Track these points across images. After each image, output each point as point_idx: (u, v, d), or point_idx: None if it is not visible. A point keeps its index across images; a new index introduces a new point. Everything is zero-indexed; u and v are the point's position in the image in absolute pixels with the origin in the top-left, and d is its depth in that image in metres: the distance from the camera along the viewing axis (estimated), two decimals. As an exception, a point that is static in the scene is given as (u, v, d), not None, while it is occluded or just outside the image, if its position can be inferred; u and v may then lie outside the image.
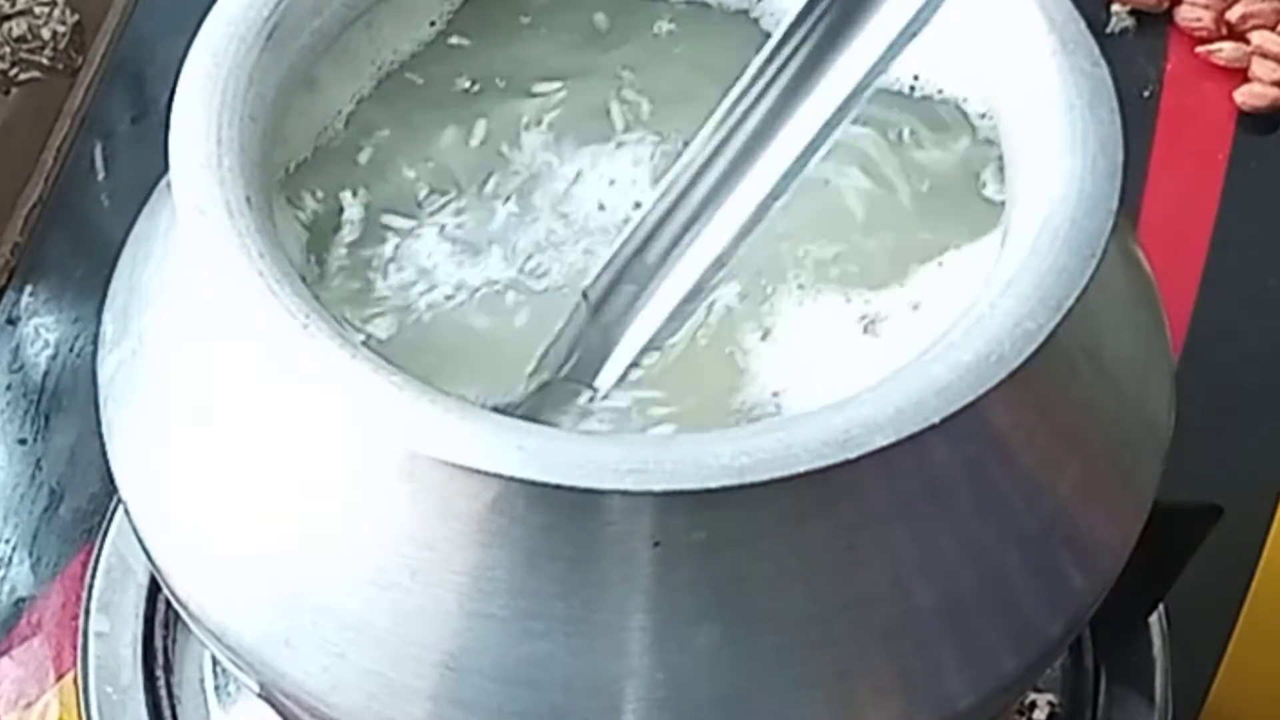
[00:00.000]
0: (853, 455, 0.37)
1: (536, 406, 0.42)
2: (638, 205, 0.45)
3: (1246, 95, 0.76)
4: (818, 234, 0.44)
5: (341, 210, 0.45)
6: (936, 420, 0.37)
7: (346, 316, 0.43)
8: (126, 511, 0.44)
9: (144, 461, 0.44)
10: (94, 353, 0.45)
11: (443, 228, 0.45)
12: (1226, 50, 0.77)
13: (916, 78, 0.46)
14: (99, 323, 0.46)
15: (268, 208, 0.41)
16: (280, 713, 0.44)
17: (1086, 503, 0.43)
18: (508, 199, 0.45)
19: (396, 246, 0.44)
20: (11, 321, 0.69)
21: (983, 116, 0.45)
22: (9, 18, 0.69)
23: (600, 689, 0.39)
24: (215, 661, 0.57)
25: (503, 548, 0.39)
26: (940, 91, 0.46)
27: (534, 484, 0.37)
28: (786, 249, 0.44)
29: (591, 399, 0.42)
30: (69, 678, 0.60)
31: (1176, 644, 0.59)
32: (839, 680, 0.40)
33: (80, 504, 0.64)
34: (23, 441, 0.66)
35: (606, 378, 0.42)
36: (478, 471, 0.37)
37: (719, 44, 0.47)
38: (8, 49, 0.69)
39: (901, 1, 0.41)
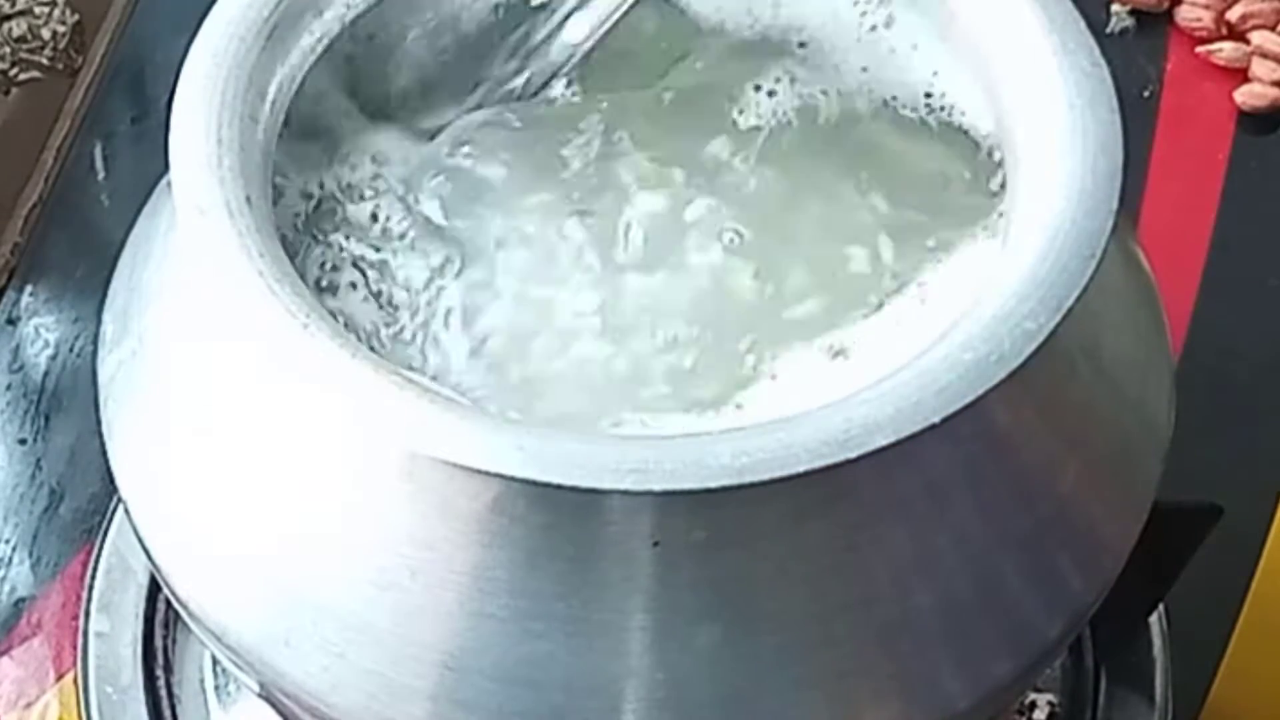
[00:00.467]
0: (853, 455, 0.37)
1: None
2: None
3: (1246, 95, 0.76)
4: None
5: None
6: (936, 420, 0.37)
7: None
8: (126, 511, 0.44)
9: (144, 461, 0.44)
10: (94, 353, 0.45)
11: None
12: (1226, 50, 0.77)
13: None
14: (99, 323, 0.46)
15: (268, 207, 0.41)
16: (280, 713, 0.44)
17: (1086, 502, 0.43)
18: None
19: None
20: (11, 321, 0.69)
21: (983, 117, 0.45)
22: (9, 18, 0.69)
23: (600, 689, 0.39)
24: (215, 661, 0.57)
25: (503, 548, 0.39)
26: (943, 94, 0.46)
27: (534, 484, 0.37)
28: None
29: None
30: (69, 678, 0.60)
31: (1176, 644, 0.59)
32: (839, 680, 0.40)
33: (80, 504, 0.64)
34: (23, 441, 0.66)
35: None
36: (478, 471, 0.37)
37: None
38: (8, 49, 0.69)
39: None
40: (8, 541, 0.64)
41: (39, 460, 0.66)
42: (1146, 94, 0.76)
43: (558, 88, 0.47)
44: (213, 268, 0.39)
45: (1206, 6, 0.78)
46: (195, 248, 0.40)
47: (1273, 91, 0.76)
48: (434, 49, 0.47)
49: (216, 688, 0.58)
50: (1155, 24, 0.79)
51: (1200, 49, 0.78)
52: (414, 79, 0.47)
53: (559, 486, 0.37)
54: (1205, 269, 0.71)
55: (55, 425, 0.66)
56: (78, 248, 0.71)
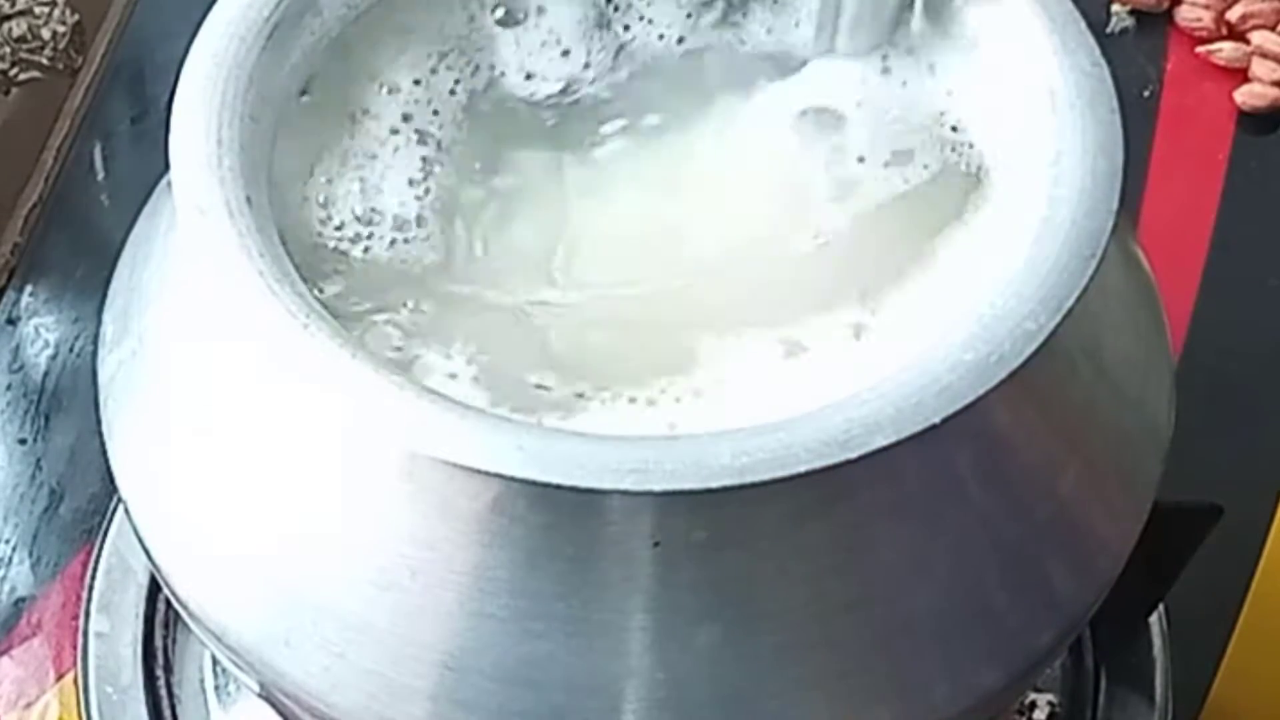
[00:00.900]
0: (853, 455, 0.37)
1: None
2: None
3: (1246, 95, 0.76)
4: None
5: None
6: (936, 420, 0.37)
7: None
8: (126, 511, 0.44)
9: (144, 461, 0.44)
10: (94, 353, 0.45)
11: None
12: (1226, 50, 0.77)
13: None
14: (99, 323, 0.46)
15: (268, 207, 0.41)
16: (280, 713, 0.44)
17: (1086, 502, 0.43)
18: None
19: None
20: (11, 321, 0.69)
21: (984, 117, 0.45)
22: (9, 18, 0.69)
23: (600, 689, 0.39)
24: (215, 661, 0.57)
25: (503, 548, 0.39)
26: (948, 94, 0.46)
27: (534, 484, 0.37)
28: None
29: None
30: (69, 678, 0.60)
31: (1176, 644, 0.59)
32: (839, 680, 0.40)
33: (80, 504, 0.64)
34: (23, 441, 0.66)
35: None
36: (478, 471, 0.37)
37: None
38: (8, 49, 0.69)
39: None
40: (8, 541, 0.64)
41: (39, 460, 0.66)
42: (1146, 94, 0.76)
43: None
44: (213, 268, 0.39)
45: (1206, 6, 0.78)
46: (195, 248, 0.40)
47: (1273, 91, 0.76)
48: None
49: (216, 688, 0.58)
50: (1155, 24, 0.79)
51: (1200, 49, 0.78)
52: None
53: (559, 486, 0.37)
54: (1205, 269, 0.71)
55: (55, 425, 0.66)
56: (78, 248, 0.71)
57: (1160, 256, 0.47)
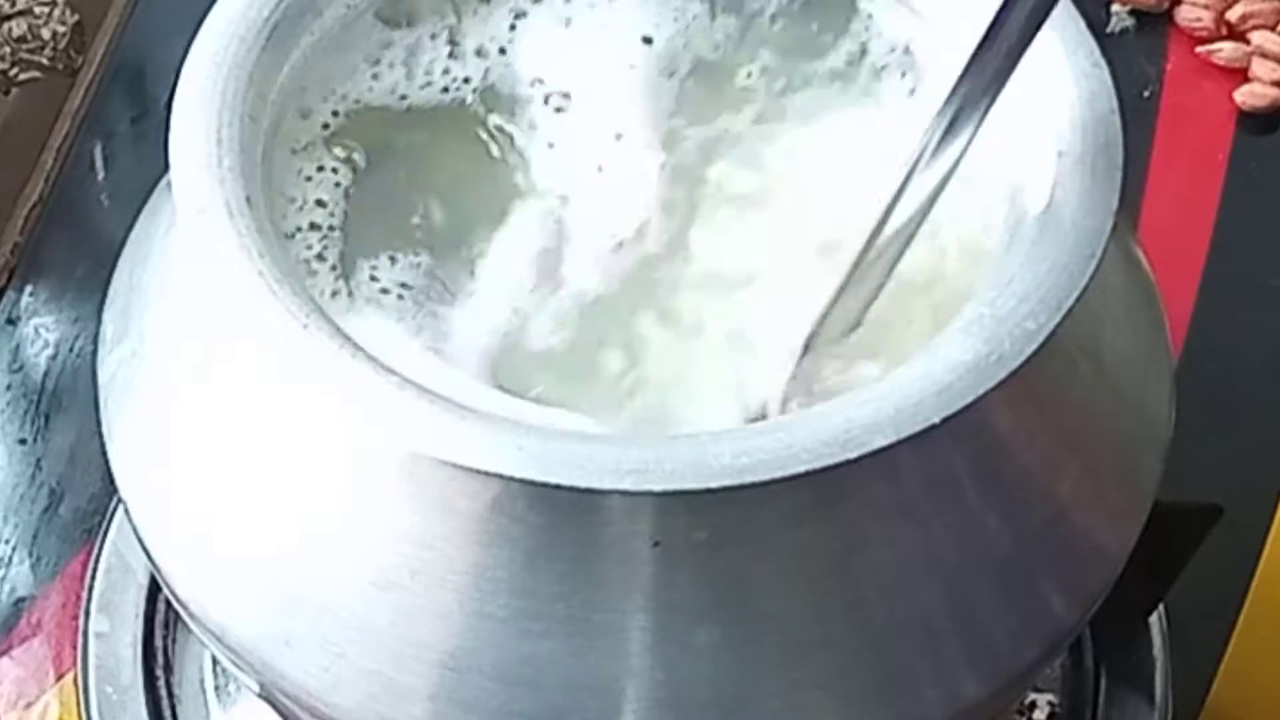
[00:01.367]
0: (853, 455, 0.37)
1: None
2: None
3: (1246, 95, 0.76)
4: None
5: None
6: (936, 420, 0.37)
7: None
8: (126, 511, 0.44)
9: (144, 461, 0.44)
10: (94, 353, 0.45)
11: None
12: (1226, 50, 0.77)
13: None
14: (99, 323, 0.46)
15: (268, 207, 0.41)
16: (280, 713, 0.44)
17: (1086, 503, 0.43)
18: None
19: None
20: (11, 321, 0.69)
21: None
22: (9, 18, 0.69)
23: (600, 689, 0.39)
24: (215, 661, 0.57)
25: (503, 548, 0.39)
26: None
27: (534, 484, 0.37)
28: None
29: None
30: (69, 678, 0.60)
31: (1176, 644, 0.59)
32: (839, 680, 0.40)
33: (80, 504, 0.64)
34: (23, 441, 0.66)
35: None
36: (478, 471, 0.37)
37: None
38: (8, 49, 0.69)
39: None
40: (8, 541, 0.64)
41: (39, 460, 0.66)
42: (1146, 94, 0.76)
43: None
44: (213, 268, 0.39)
45: (1206, 6, 0.78)
46: (195, 248, 0.40)
47: (1273, 91, 0.76)
48: None
49: (216, 688, 0.58)
50: (1155, 24, 0.79)
51: (1200, 49, 0.78)
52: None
53: (559, 486, 0.37)
54: (1205, 269, 0.71)
55: (55, 425, 0.66)
56: (78, 248, 0.71)
57: (1160, 256, 0.47)
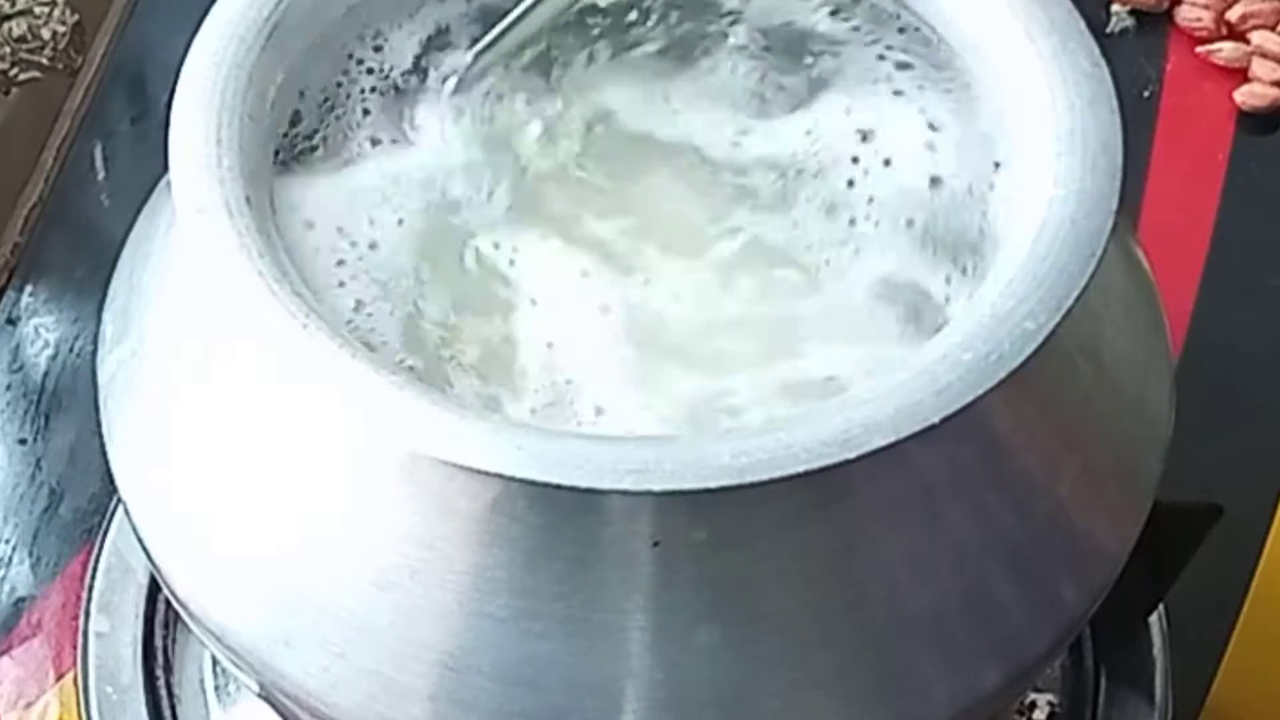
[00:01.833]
0: (852, 455, 0.37)
1: None
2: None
3: (1246, 95, 0.76)
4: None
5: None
6: (936, 420, 0.37)
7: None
8: (126, 511, 0.44)
9: (144, 461, 0.44)
10: (94, 353, 0.45)
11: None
12: (1226, 50, 0.77)
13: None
14: (99, 323, 0.46)
15: (268, 207, 0.41)
16: (280, 713, 0.44)
17: (1086, 502, 0.43)
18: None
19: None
20: (11, 321, 0.69)
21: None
22: (9, 18, 0.69)
23: (600, 689, 0.39)
24: (215, 661, 0.57)
25: (503, 548, 0.39)
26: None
27: (534, 484, 0.37)
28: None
29: None
30: (69, 678, 0.60)
31: (1176, 644, 0.59)
32: (839, 680, 0.40)
33: (80, 504, 0.64)
34: (23, 441, 0.66)
35: None
36: (478, 471, 0.37)
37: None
38: (8, 49, 0.69)
39: None
40: (8, 541, 0.64)
41: (39, 460, 0.66)
42: (1146, 94, 0.76)
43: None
44: (212, 268, 0.39)
45: (1206, 6, 0.78)
46: (195, 248, 0.40)
47: (1273, 91, 0.76)
48: None
49: (216, 688, 0.58)
50: (1155, 24, 0.79)
51: (1200, 49, 0.78)
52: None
53: (559, 486, 0.37)
54: (1205, 269, 0.71)
55: (55, 425, 0.66)
56: (78, 248, 0.71)
57: (1160, 256, 0.47)
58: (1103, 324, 0.43)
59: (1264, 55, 0.77)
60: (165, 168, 0.41)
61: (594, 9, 0.47)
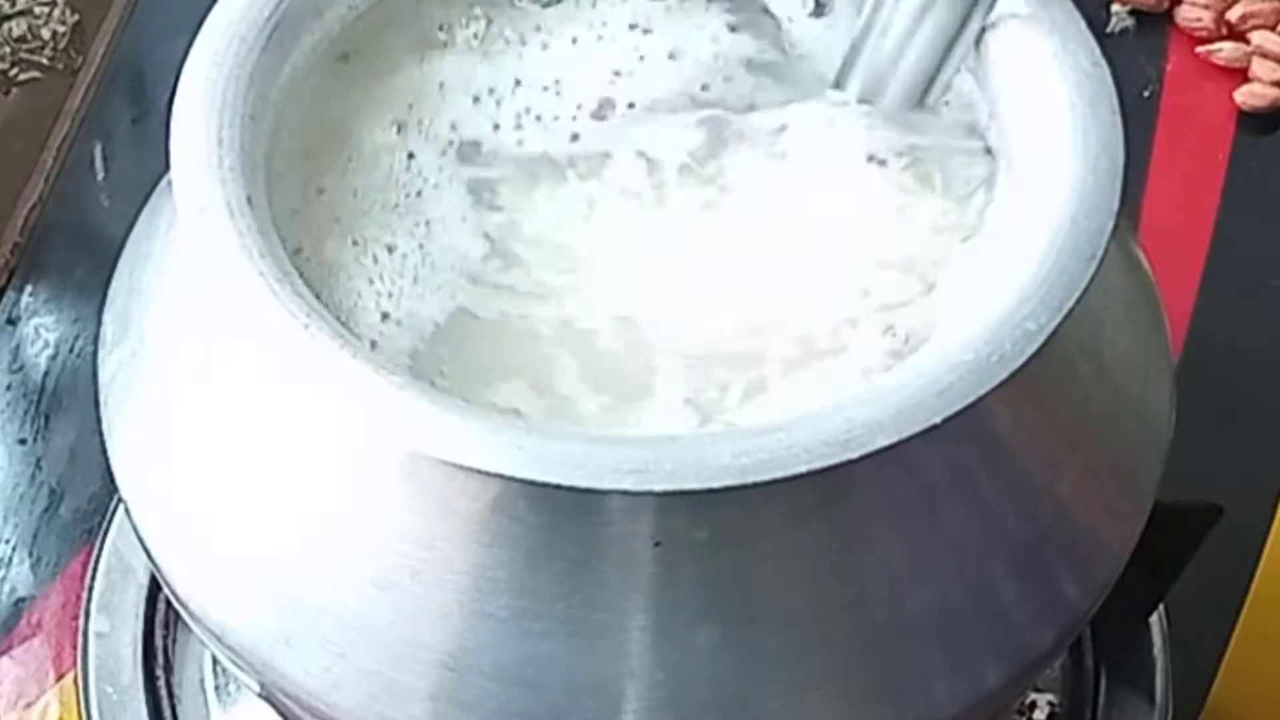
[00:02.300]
0: (853, 455, 0.37)
1: None
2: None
3: (1246, 95, 0.76)
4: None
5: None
6: (937, 420, 0.37)
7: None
8: (126, 511, 0.44)
9: (144, 461, 0.44)
10: (94, 353, 0.45)
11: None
12: (1226, 50, 0.77)
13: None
14: (99, 323, 0.46)
15: (268, 208, 0.41)
16: (280, 713, 0.44)
17: (1087, 503, 0.43)
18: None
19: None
20: (11, 321, 0.69)
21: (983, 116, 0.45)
22: (9, 18, 0.69)
23: (600, 689, 0.39)
24: (215, 661, 0.57)
25: (503, 548, 0.39)
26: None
27: (534, 484, 0.37)
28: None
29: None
30: (69, 678, 0.60)
31: (1176, 644, 0.59)
32: (839, 680, 0.40)
33: (80, 504, 0.64)
34: (23, 441, 0.66)
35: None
36: (478, 471, 0.37)
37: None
38: (8, 49, 0.69)
39: None
40: (8, 541, 0.64)
41: (39, 460, 0.66)
42: (1146, 94, 0.76)
43: None
44: (213, 268, 0.39)
45: (1206, 6, 0.78)
46: (195, 248, 0.40)
47: (1273, 91, 0.76)
48: None
49: (216, 688, 0.58)
50: (1155, 24, 0.79)
51: (1200, 49, 0.78)
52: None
53: (559, 486, 0.37)
54: (1205, 269, 0.71)
55: (55, 425, 0.66)
56: (78, 248, 0.71)
57: (1160, 256, 0.47)
58: (1103, 324, 0.43)
59: (1264, 55, 0.77)
60: (165, 168, 0.41)
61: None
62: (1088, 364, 0.43)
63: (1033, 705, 0.57)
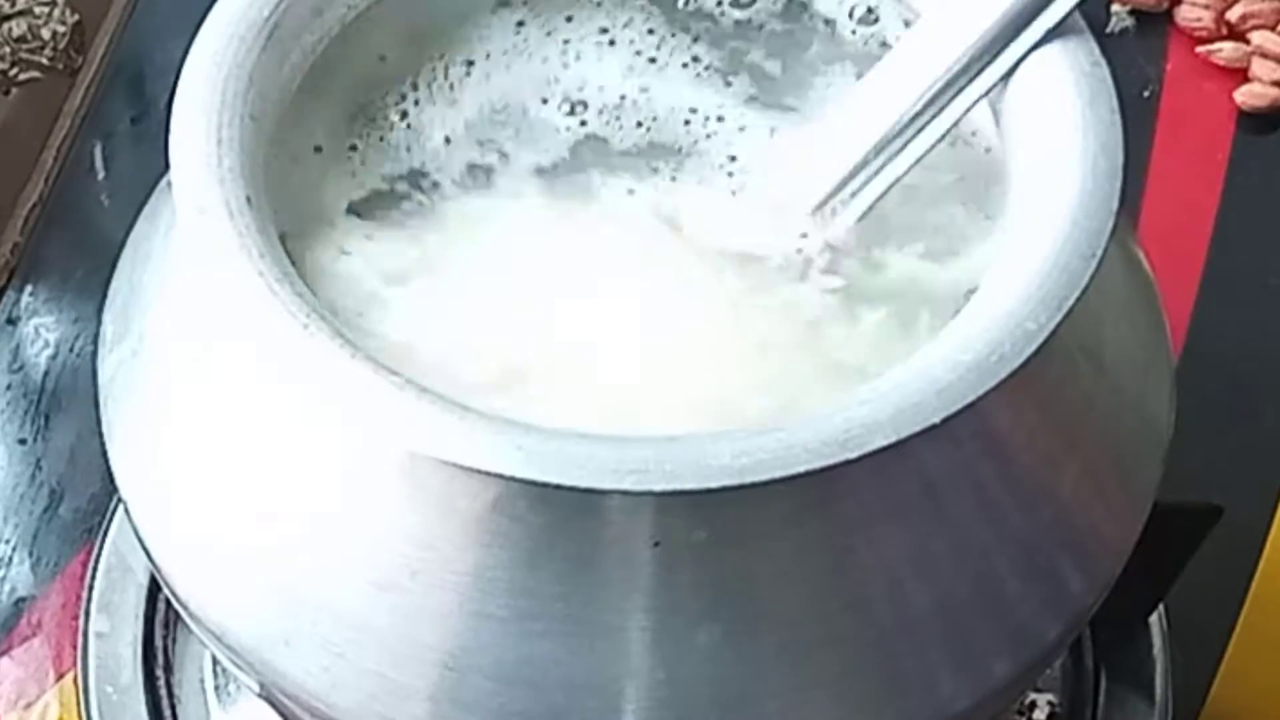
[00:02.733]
0: (852, 455, 0.37)
1: None
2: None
3: (1246, 95, 0.76)
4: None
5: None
6: (937, 420, 0.37)
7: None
8: (126, 511, 0.44)
9: (144, 461, 0.44)
10: (94, 353, 0.45)
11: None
12: (1226, 50, 0.77)
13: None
14: (99, 323, 0.46)
15: (268, 207, 0.41)
16: (280, 713, 0.44)
17: (1087, 503, 0.43)
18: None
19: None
20: (11, 321, 0.69)
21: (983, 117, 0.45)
22: (9, 18, 0.69)
23: (600, 689, 0.39)
24: (215, 661, 0.57)
25: (503, 548, 0.39)
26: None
27: (534, 484, 0.37)
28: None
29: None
30: (69, 678, 0.60)
31: (1176, 644, 0.59)
32: (839, 680, 0.40)
33: (80, 504, 0.64)
34: (23, 441, 0.66)
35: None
36: (478, 471, 0.37)
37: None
38: (8, 49, 0.69)
39: None
40: (8, 541, 0.64)
41: (39, 460, 0.66)
42: (1146, 94, 0.76)
43: None
44: (213, 268, 0.39)
45: (1206, 6, 0.78)
46: (195, 248, 0.40)
47: (1273, 91, 0.76)
48: None
49: (216, 688, 0.58)
50: (1155, 24, 0.79)
51: (1200, 49, 0.78)
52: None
53: (559, 486, 0.37)
54: (1205, 269, 0.71)
55: (55, 425, 0.66)
56: (78, 248, 0.71)
57: (1160, 256, 0.47)
58: (1103, 324, 0.43)
59: (1264, 55, 0.77)
60: (165, 168, 0.41)
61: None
62: (1088, 363, 0.43)
63: (1032, 705, 0.57)
